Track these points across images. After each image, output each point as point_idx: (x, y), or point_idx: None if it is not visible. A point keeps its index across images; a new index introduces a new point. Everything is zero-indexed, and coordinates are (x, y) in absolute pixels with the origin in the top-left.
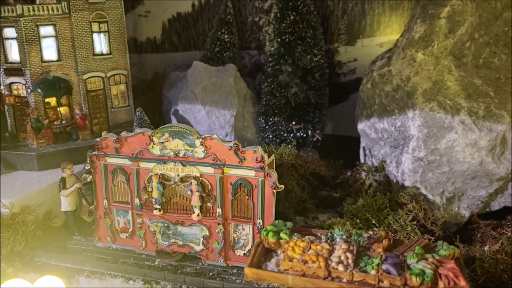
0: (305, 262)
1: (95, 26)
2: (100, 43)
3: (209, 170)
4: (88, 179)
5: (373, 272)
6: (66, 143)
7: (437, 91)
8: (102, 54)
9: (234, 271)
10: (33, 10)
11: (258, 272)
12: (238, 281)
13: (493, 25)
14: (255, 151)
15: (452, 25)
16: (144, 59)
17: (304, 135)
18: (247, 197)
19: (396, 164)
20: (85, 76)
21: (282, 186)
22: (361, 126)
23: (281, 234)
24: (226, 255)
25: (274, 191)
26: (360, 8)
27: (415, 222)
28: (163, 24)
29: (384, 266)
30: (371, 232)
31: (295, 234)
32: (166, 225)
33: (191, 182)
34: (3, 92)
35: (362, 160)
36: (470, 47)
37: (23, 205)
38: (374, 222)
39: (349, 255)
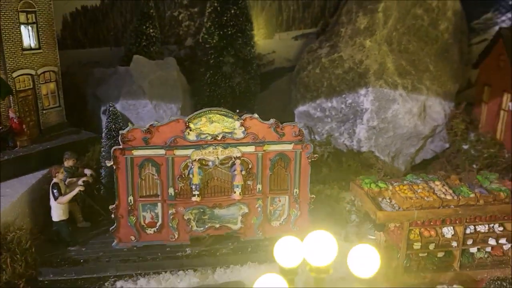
0: (422, 198)
1: (22, 17)
2: (29, 36)
3: (250, 149)
4: (85, 178)
5: (472, 195)
6: (3, 152)
7: (382, 71)
8: (31, 49)
9: (270, 242)
10: None
11: (390, 214)
12: None
13: (406, 19)
14: (294, 125)
15: (385, 18)
16: None
17: None
18: (284, 170)
19: (348, 135)
20: (14, 74)
21: (317, 155)
22: (303, 108)
23: (380, 184)
24: (264, 228)
25: (310, 160)
26: (277, 4)
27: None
28: (64, 18)
29: (477, 189)
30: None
31: (389, 182)
32: (202, 210)
33: (233, 163)
34: None
35: None
36: (395, 36)
37: (4, 223)
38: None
39: (447, 188)
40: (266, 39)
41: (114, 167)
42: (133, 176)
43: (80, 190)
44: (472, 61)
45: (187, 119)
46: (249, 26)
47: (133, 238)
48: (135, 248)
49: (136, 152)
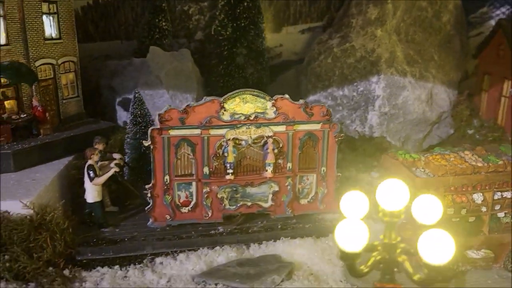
0: (455, 165)
1: (44, 7)
2: (50, 26)
3: (282, 128)
4: (117, 161)
5: (500, 162)
6: (28, 139)
7: (393, 60)
8: (53, 39)
9: (297, 220)
10: None
11: (427, 180)
12: (307, 226)
13: (412, 10)
14: (322, 106)
15: (394, 9)
16: None
17: None
18: (313, 149)
19: (360, 122)
20: (37, 63)
21: (343, 135)
22: (314, 97)
23: (413, 155)
24: (292, 206)
25: (337, 140)
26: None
27: None
28: (76, 12)
29: (504, 157)
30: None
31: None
32: (234, 189)
33: (265, 142)
34: None
35: None
36: (403, 26)
37: (41, 204)
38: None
39: (476, 156)
40: (274, 32)
41: (151, 147)
42: (169, 155)
43: (115, 171)
44: (471, 53)
45: (222, 100)
46: (260, 18)
47: (168, 217)
48: (167, 228)
49: (173, 132)
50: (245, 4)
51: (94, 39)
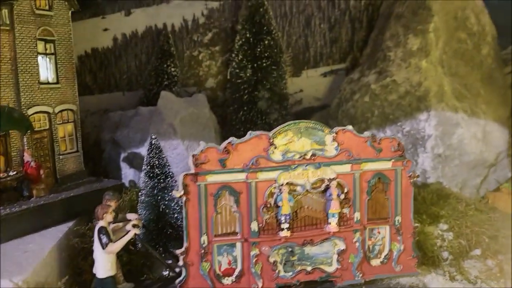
0: None
1: (40, 46)
2: (47, 69)
3: (346, 168)
4: (135, 221)
5: None
6: (18, 202)
7: (442, 94)
8: (49, 83)
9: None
10: None
11: None
12: None
13: (452, 42)
14: (392, 139)
15: (436, 39)
16: None
17: None
18: (384, 194)
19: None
20: (30, 111)
21: (419, 174)
22: None
23: None
24: (362, 268)
25: (412, 180)
26: (304, 40)
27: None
28: None
29: None
30: None
31: None
32: (290, 250)
33: (328, 186)
34: None
35: None
36: (445, 59)
37: (38, 283)
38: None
39: None
40: (293, 77)
41: (184, 199)
42: (207, 209)
43: (135, 234)
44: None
45: (271, 135)
46: (282, 58)
47: None
48: None
49: (211, 178)
50: (266, 42)
51: (92, 91)
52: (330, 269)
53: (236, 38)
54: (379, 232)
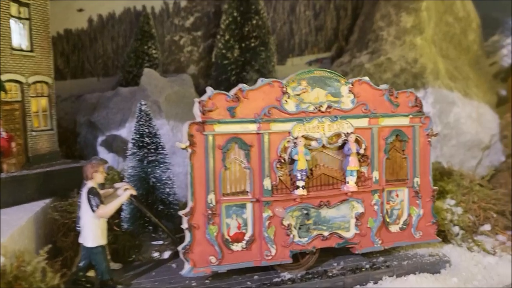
0: None
1: (13, 9)
2: (20, 34)
3: (363, 122)
4: (127, 186)
5: None
6: None
7: (437, 72)
8: (22, 50)
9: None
10: None
11: None
12: (404, 263)
13: (440, 25)
14: (409, 93)
15: (428, 19)
16: None
17: None
18: (402, 153)
19: None
20: (1, 78)
21: (437, 132)
22: None
23: None
24: (381, 235)
25: (431, 137)
26: (288, 27)
27: None
28: None
29: None
30: None
31: None
32: (305, 212)
33: (345, 141)
34: None
35: None
36: (436, 40)
37: (17, 251)
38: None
39: None
40: (278, 65)
41: (189, 151)
42: (214, 163)
43: (131, 195)
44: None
45: (284, 82)
46: (271, 39)
47: (213, 259)
48: (208, 280)
49: (219, 128)
50: (254, 22)
51: (64, 76)
52: (348, 235)
53: (222, 18)
54: (397, 195)
